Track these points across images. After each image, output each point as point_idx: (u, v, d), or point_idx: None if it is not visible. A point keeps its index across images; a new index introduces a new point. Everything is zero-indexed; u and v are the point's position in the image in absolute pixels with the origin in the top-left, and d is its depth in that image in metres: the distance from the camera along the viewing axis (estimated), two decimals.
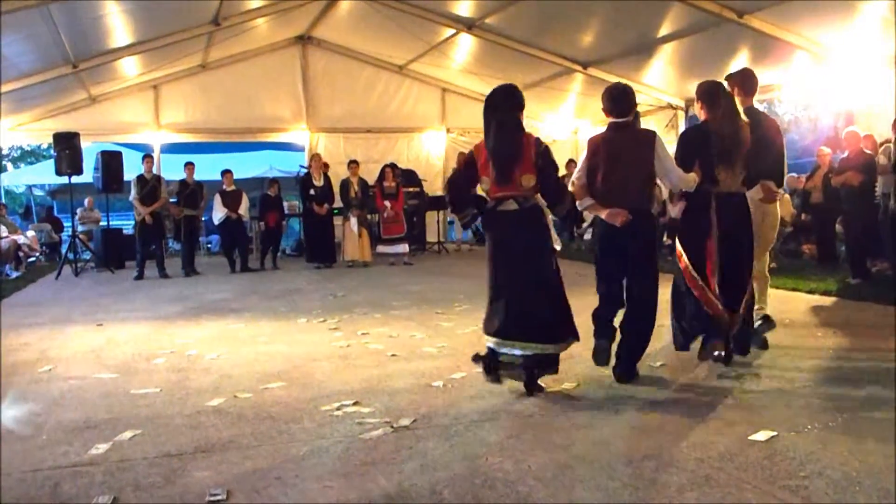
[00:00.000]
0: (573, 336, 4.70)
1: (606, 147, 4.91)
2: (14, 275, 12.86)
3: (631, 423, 3.94)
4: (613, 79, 14.31)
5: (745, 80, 5.79)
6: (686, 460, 3.36)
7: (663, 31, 12.11)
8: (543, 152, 4.63)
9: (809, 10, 10.13)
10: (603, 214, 4.89)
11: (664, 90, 14.76)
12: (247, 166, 19.49)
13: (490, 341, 4.66)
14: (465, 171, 4.85)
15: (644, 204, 4.91)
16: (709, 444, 3.56)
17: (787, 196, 11.92)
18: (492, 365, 4.63)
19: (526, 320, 4.55)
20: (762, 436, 3.62)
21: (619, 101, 4.97)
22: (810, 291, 8.46)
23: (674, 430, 3.77)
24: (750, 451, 3.45)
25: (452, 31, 14.29)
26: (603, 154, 4.90)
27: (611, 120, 5.00)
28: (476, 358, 4.76)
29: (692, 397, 4.39)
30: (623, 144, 4.90)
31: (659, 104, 14.90)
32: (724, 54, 12.28)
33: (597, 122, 17.13)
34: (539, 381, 4.61)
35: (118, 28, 12.34)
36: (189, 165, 13.13)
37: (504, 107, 4.67)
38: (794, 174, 14.20)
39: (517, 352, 4.56)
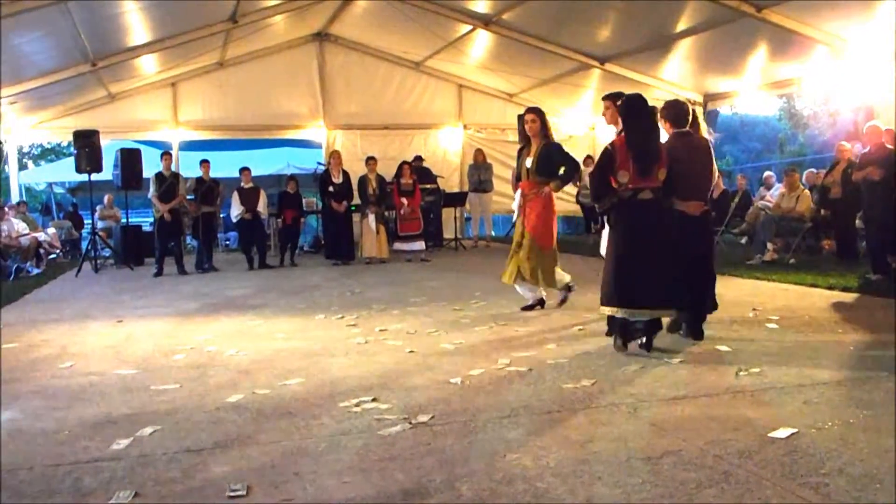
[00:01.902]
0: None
1: (675, 153, 5.69)
2: (35, 271, 12.99)
3: (649, 420, 3.92)
4: (631, 74, 14.33)
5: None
6: (705, 457, 3.34)
7: (681, 25, 12.04)
8: (699, 151, 5.75)
9: (829, 4, 10.05)
10: (683, 207, 5.74)
11: (682, 85, 14.68)
12: (265, 163, 19.54)
13: (621, 312, 5.49)
14: (607, 166, 5.59)
15: (707, 196, 6.01)
16: (728, 441, 3.54)
17: (806, 191, 11.84)
18: (624, 333, 5.52)
19: (660, 290, 5.45)
20: (782, 433, 3.60)
21: (681, 115, 5.96)
22: (830, 287, 8.40)
23: (692, 427, 3.76)
24: (769, 448, 3.44)
25: (469, 27, 14.28)
26: (673, 159, 5.64)
27: (674, 130, 5.92)
28: (611, 330, 5.73)
29: (710, 394, 4.37)
30: (687, 149, 5.82)
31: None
32: (742, 49, 12.23)
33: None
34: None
35: (137, 26, 12.42)
36: (204, 163, 13.19)
37: (647, 113, 5.61)
38: (814, 169, 14.11)
39: (645, 318, 5.45)
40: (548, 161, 7.41)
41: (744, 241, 13.31)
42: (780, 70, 12.73)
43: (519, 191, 7.64)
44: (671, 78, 14.55)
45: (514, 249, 7.55)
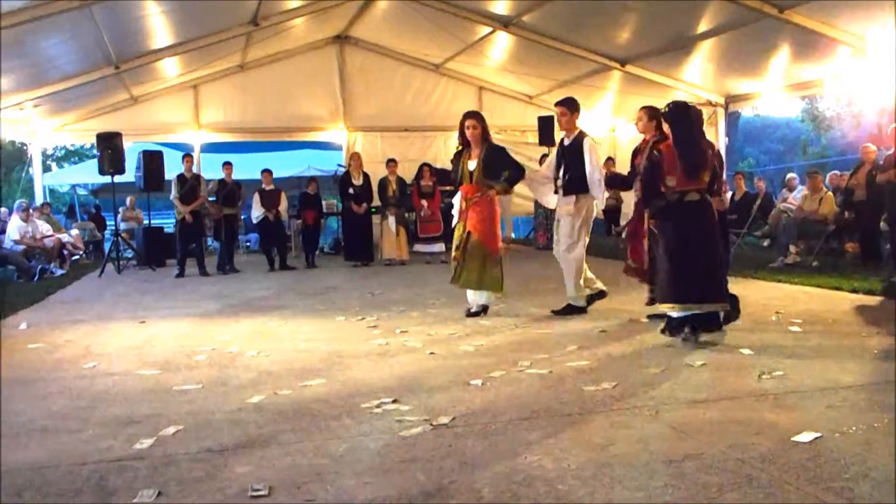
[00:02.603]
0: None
1: None
2: (59, 272, 13.11)
3: (671, 422, 3.91)
4: (652, 76, 14.28)
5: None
6: (727, 461, 3.32)
7: (702, 27, 11.98)
8: (714, 155, 6.00)
9: (852, 4, 9.97)
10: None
11: (703, 87, 14.61)
12: (285, 165, 19.64)
13: (674, 309, 5.80)
14: (656, 171, 5.89)
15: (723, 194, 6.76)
16: (750, 444, 3.52)
17: (829, 193, 11.74)
18: (676, 329, 5.82)
19: (708, 284, 5.73)
20: (805, 437, 3.57)
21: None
22: (853, 290, 8.32)
23: (714, 431, 3.74)
24: (792, 451, 3.41)
25: (489, 29, 14.29)
26: None
27: None
28: (668, 327, 5.93)
29: (733, 397, 4.34)
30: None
31: (698, 101, 14.73)
32: (764, 50, 12.15)
33: (633, 121, 16.99)
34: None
35: (159, 29, 12.53)
36: (227, 165, 13.30)
37: (692, 119, 5.88)
38: (837, 171, 13.97)
39: (690, 313, 5.73)
40: (493, 164, 7.45)
41: (766, 243, 13.21)
42: (803, 71, 12.64)
43: (459, 194, 7.68)
44: (692, 79, 14.48)
45: (458, 255, 7.54)
